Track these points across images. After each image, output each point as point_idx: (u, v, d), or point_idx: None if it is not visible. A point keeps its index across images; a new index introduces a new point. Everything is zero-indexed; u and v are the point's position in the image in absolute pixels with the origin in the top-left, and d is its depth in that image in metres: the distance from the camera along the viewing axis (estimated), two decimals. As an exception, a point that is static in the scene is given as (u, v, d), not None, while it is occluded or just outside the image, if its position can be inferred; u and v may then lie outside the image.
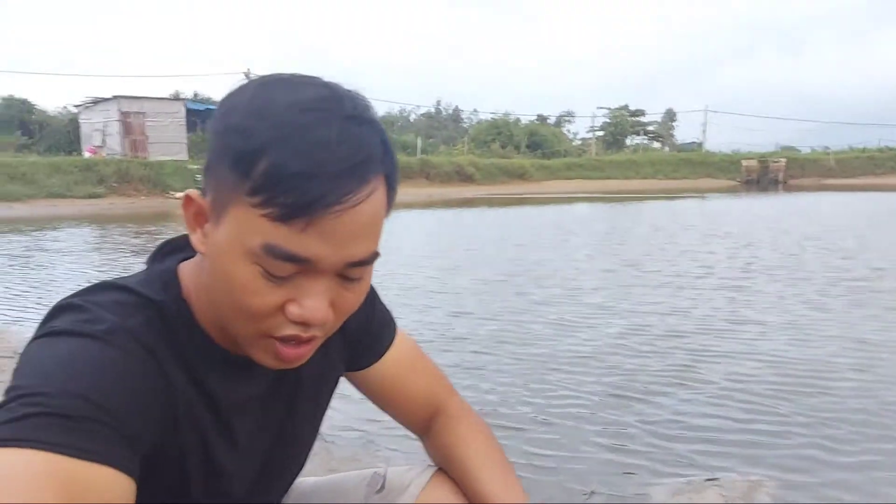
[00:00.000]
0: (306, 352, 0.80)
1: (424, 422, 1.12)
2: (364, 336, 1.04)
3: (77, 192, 24.35)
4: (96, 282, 0.83)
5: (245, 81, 0.77)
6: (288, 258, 0.71)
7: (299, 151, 0.68)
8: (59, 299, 0.79)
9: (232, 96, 0.75)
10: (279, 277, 0.72)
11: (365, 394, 1.10)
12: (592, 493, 2.20)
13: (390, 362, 1.08)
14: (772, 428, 2.74)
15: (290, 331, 0.76)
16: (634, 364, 3.67)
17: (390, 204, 0.78)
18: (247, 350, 0.80)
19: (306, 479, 1.13)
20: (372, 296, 1.05)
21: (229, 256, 0.73)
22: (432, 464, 1.11)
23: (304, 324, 0.75)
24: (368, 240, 0.75)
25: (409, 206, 19.86)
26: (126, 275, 0.88)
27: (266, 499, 1.03)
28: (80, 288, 0.82)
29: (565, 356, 3.85)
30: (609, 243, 10.33)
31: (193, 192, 0.77)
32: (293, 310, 0.74)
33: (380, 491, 1.09)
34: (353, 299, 0.79)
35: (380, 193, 0.74)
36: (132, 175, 26.59)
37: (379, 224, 0.76)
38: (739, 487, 2.20)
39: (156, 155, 30.21)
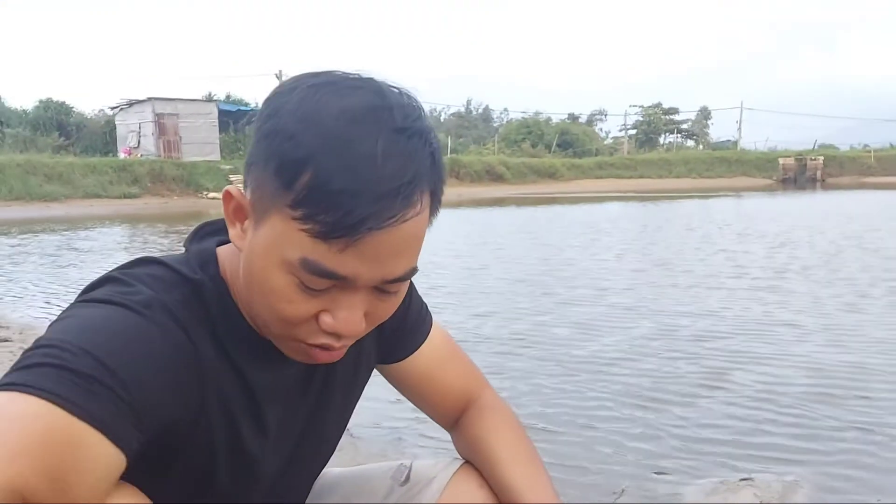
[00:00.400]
0: (339, 354, 0.80)
1: (455, 416, 1.10)
2: (399, 330, 1.02)
3: (112, 192, 24.82)
4: (136, 257, 0.84)
5: (295, 80, 0.75)
6: (325, 275, 0.70)
7: (344, 167, 0.66)
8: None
9: (280, 95, 0.73)
10: (315, 290, 0.72)
11: (396, 386, 1.09)
12: (623, 491, 2.15)
13: (424, 356, 1.06)
14: (807, 431, 2.67)
15: (321, 339, 0.76)
16: (666, 365, 3.61)
17: (434, 217, 0.77)
18: (279, 346, 0.80)
19: (331, 470, 1.12)
20: (408, 289, 1.01)
21: (266, 262, 0.73)
22: (459, 457, 1.09)
23: (336, 335, 0.75)
24: (408, 257, 0.74)
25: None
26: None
27: (292, 489, 1.02)
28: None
29: (595, 357, 3.80)
30: (640, 243, 10.21)
31: (233, 188, 0.77)
32: (326, 320, 0.74)
33: (405, 483, 1.07)
34: (387, 310, 0.79)
35: (424, 211, 0.72)
36: (166, 175, 27.03)
37: (420, 241, 0.75)
38: (775, 488, 2.14)
39: (189, 155, 30.67)
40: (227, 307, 0.81)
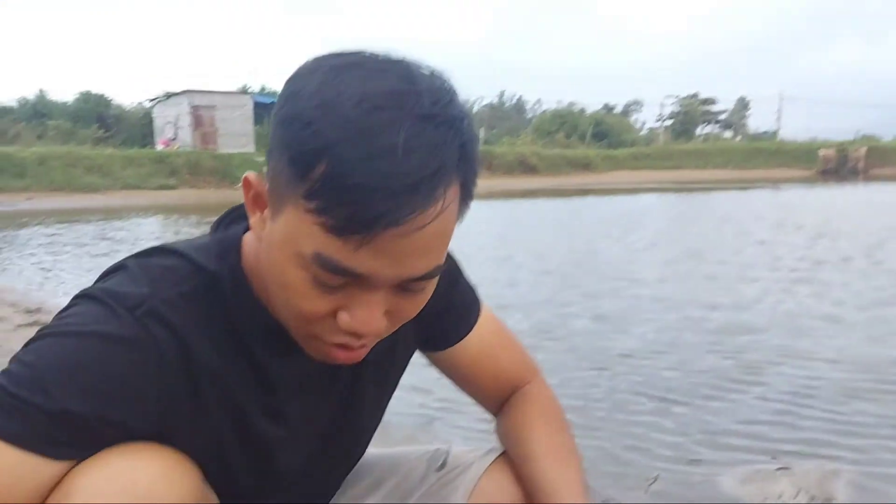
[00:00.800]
0: (360, 355, 0.77)
1: (500, 402, 1.07)
2: (443, 319, 0.98)
3: (150, 183, 25.23)
4: (156, 244, 0.83)
5: (317, 60, 0.69)
6: (339, 272, 0.66)
7: (361, 159, 0.61)
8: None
9: (300, 78, 0.68)
10: (330, 287, 0.68)
11: (441, 371, 1.05)
12: (656, 478, 2.13)
13: (471, 344, 1.01)
14: (844, 427, 2.60)
15: (340, 338, 0.73)
16: (697, 358, 3.56)
17: (463, 212, 0.71)
18: (300, 343, 0.77)
19: (369, 450, 1.08)
20: (454, 275, 0.99)
21: (281, 255, 0.69)
22: (498, 446, 1.06)
23: (355, 334, 0.72)
24: (431, 255, 0.68)
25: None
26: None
27: (323, 484, 1.00)
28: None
29: (624, 349, 3.76)
30: (674, 234, 10.09)
31: (252, 175, 0.74)
32: (344, 319, 0.70)
33: (440, 469, 1.05)
34: (411, 308, 0.75)
35: (451, 207, 0.66)
36: (202, 167, 27.39)
37: (446, 238, 0.69)
38: (813, 477, 2.10)
39: (225, 147, 31.05)
40: (244, 299, 0.78)
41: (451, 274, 0.98)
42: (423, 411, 2.83)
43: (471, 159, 0.68)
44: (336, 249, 0.64)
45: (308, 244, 0.66)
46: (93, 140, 32.66)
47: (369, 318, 0.70)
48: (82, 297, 0.75)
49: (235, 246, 0.78)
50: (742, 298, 5.12)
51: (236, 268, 0.78)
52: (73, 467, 0.70)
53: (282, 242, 0.68)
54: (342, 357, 0.75)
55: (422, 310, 0.94)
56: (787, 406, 2.79)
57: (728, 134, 62.65)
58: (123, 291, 0.74)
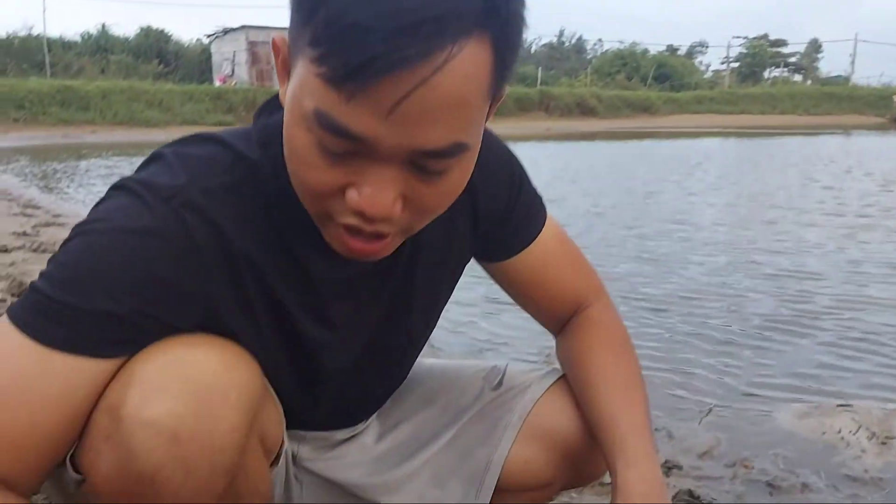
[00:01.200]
0: (379, 248, 0.70)
1: (562, 322, 1.01)
2: (503, 226, 0.92)
3: (209, 119, 25.53)
4: (196, 132, 0.79)
5: None
6: (337, 132, 0.60)
7: None
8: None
9: None
10: (335, 154, 0.62)
11: (499, 284, 1.00)
12: (710, 410, 2.09)
13: (533, 256, 0.95)
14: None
15: (349, 220, 0.66)
16: (757, 300, 3.46)
17: (499, 81, 0.63)
18: (319, 228, 0.72)
19: (423, 360, 1.06)
20: (517, 180, 0.92)
21: (292, 118, 0.64)
22: (558, 369, 1.02)
23: (363, 215, 0.65)
24: (445, 125, 0.60)
25: (525, 138, 19.50)
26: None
27: (373, 390, 0.98)
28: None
29: (676, 293, 3.68)
30: (735, 178, 9.77)
31: (279, 36, 0.67)
32: (352, 195, 0.64)
33: (496, 388, 1.02)
34: (434, 197, 0.67)
35: (470, 63, 0.58)
36: (259, 103, 27.44)
37: (467, 108, 0.61)
38: (875, 414, 2.02)
39: (282, 84, 31.14)
40: (284, 191, 0.73)
41: (514, 178, 0.92)
42: (476, 335, 2.81)
43: (504, 15, 0.60)
44: (333, 103, 0.59)
45: (310, 100, 0.61)
46: (153, 75, 33.13)
47: (377, 196, 0.63)
48: (117, 188, 0.73)
49: (278, 133, 0.70)
50: (803, 244, 4.94)
51: (278, 157, 0.72)
52: (129, 360, 0.69)
53: (291, 103, 0.64)
54: (358, 247, 0.69)
55: (480, 217, 0.90)
56: (848, 352, 2.69)
57: (798, 78, 60.03)
58: (159, 182, 0.71)
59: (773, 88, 46.66)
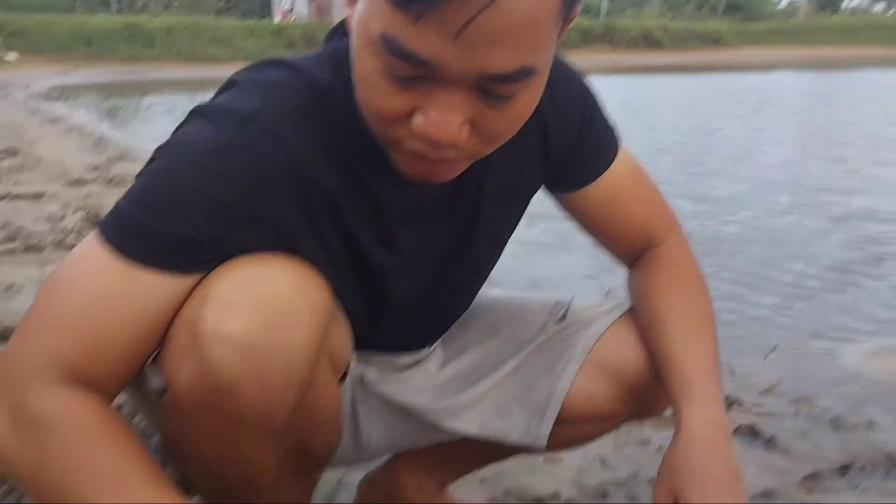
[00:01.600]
0: (447, 170, 0.71)
1: (634, 255, 1.00)
2: (575, 154, 0.91)
3: (270, 55, 25.52)
4: (267, 58, 0.80)
5: None
6: (403, 56, 0.60)
7: None
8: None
9: None
10: (402, 78, 0.62)
11: (569, 214, 0.99)
12: (775, 348, 2.06)
13: (605, 187, 0.94)
14: None
15: (416, 145, 0.66)
16: (823, 243, 3.35)
17: (565, 13, 0.63)
18: (388, 152, 0.73)
19: (488, 292, 1.07)
20: (590, 107, 0.91)
21: (359, 43, 0.65)
22: (624, 303, 1.02)
23: (429, 140, 0.65)
24: (513, 48, 0.60)
25: (588, 72, 18.92)
26: None
27: (438, 317, 1.00)
28: None
29: (742, 231, 3.59)
30: (807, 114, 9.36)
31: None
32: (418, 120, 0.64)
33: (560, 321, 1.02)
34: (502, 123, 0.67)
35: None
36: (318, 39, 26.53)
37: (534, 31, 0.60)
38: (950, 355, 1.98)
39: (340, 19, 30.88)
40: (354, 116, 0.74)
41: (587, 106, 0.91)
42: (538, 272, 2.82)
43: None
44: (400, 27, 0.59)
45: (377, 25, 0.61)
46: (215, 11, 33.24)
47: (443, 122, 0.63)
48: (195, 113, 0.75)
49: (348, 57, 0.70)
50: (875, 184, 4.73)
51: (348, 81, 0.72)
52: (206, 276, 0.72)
53: (359, 28, 0.64)
54: (424, 170, 0.70)
55: (551, 145, 0.89)
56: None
57: (879, 7, 56.45)
58: (234, 106, 0.73)
59: (852, 19, 44.02)
